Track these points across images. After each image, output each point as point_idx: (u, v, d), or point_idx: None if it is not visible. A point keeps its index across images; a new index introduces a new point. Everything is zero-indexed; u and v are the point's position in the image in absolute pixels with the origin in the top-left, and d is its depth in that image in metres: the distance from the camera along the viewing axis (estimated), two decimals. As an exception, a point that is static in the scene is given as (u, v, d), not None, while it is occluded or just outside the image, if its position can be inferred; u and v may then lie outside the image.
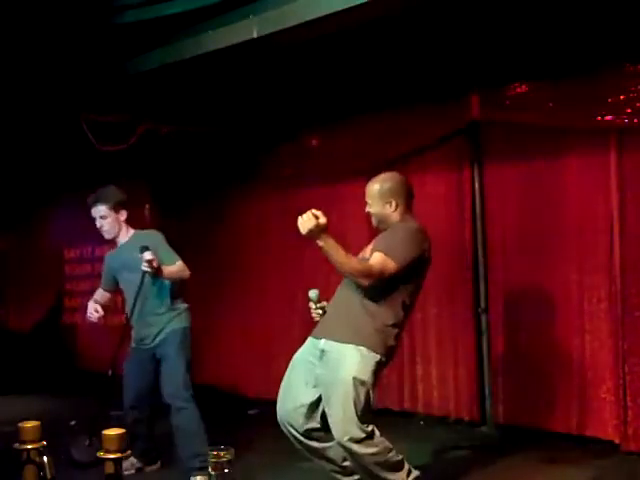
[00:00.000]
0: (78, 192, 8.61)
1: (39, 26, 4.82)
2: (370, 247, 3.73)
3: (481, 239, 5.46)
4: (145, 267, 4.21)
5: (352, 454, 3.58)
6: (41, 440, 2.16)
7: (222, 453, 2.82)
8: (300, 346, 3.83)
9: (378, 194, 3.77)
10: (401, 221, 3.77)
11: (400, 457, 3.71)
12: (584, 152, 4.90)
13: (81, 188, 8.47)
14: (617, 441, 4.72)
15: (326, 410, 3.62)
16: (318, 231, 3.37)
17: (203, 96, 5.86)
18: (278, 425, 3.75)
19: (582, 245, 4.92)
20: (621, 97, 4.52)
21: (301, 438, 3.70)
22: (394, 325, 3.65)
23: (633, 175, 4.65)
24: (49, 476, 2.12)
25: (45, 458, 2.13)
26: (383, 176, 3.84)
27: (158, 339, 4.52)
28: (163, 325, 4.52)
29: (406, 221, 3.77)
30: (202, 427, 4.37)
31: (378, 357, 3.59)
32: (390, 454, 3.65)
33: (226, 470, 2.77)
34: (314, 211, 3.39)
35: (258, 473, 4.22)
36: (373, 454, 3.59)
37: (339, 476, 3.78)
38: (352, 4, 3.84)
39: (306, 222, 3.36)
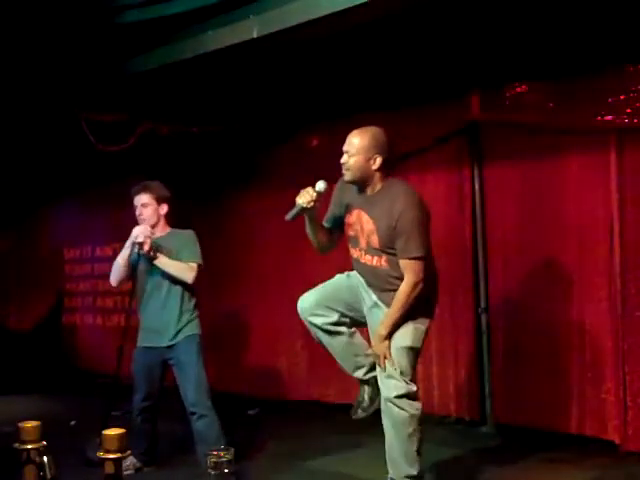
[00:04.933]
0: (78, 192, 8.69)
1: (39, 26, 4.82)
2: (367, 221, 3.64)
3: (481, 239, 5.45)
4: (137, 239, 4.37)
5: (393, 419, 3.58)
6: (41, 440, 2.16)
7: (222, 453, 2.83)
8: (299, 347, 3.82)
9: (364, 146, 3.59)
10: (387, 182, 3.65)
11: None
12: (584, 152, 4.90)
13: (81, 188, 8.55)
14: (617, 441, 4.72)
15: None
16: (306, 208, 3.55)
17: (203, 96, 5.86)
18: (278, 425, 3.74)
19: (582, 245, 4.91)
20: (621, 97, 4.53)
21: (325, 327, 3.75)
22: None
23: (633, 175, 4.65)
24: (49, 476, 2.12)
25: (45, 458, 2.13)
26: (371, 129, 3.67)
27: (174, 340, 4.51)
28: (181, 326, 4.52)
29: (393, 184, 3.65)
30: (222, 435, 4.34)
31: (427, 322, 3.68)
32: (416, 446, 3.62)
33: (226, 470, 2.78)
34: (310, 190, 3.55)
35: (258, 473, 4.21)
36: (409, 434, 3.56)
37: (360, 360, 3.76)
38: (352, 4, 3.83)
39: (302, 195, 3.57)
